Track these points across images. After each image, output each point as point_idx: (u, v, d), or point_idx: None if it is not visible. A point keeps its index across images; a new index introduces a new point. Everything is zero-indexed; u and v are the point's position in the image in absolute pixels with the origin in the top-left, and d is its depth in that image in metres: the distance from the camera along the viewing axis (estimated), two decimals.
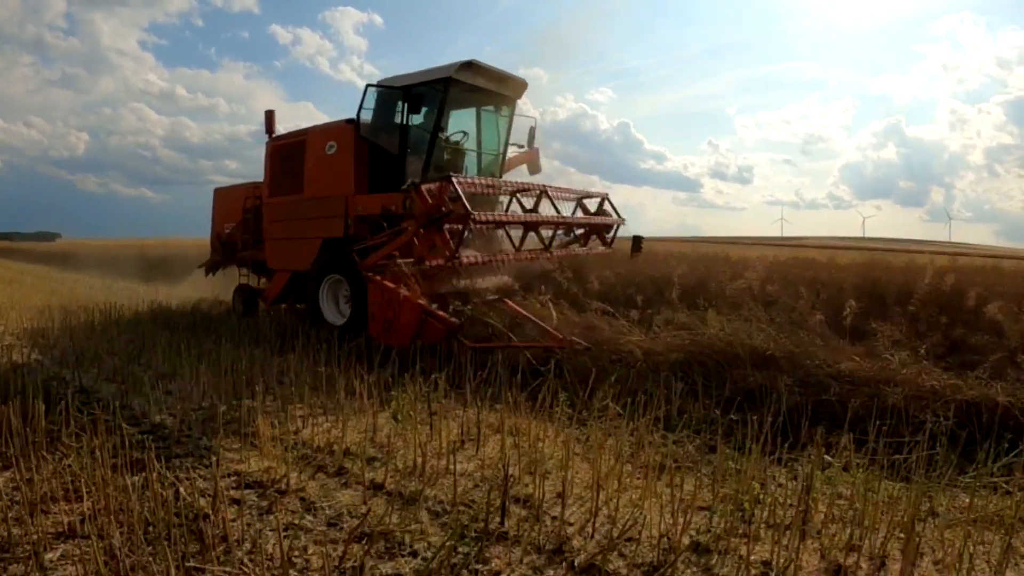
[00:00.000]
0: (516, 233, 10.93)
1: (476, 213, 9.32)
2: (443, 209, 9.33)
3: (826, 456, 5.32)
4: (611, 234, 13.76)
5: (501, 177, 13.63)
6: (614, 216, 13.59)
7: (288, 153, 13.62)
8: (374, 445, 5.92)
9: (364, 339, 10.01)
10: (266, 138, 14.26)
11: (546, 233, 11.57)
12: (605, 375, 7.34)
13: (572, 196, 12.98)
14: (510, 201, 12.52)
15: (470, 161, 13.36)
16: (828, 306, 9.43)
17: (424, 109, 12.06)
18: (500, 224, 10.51)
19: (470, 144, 13.34)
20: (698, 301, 9.99)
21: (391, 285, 9.41)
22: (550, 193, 11.92)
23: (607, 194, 13.50)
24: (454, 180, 9.39)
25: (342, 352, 9.25)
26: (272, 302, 14.43)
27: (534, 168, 14.93)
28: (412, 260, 9.89)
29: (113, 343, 10.66)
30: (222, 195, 16.97)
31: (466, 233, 9.72)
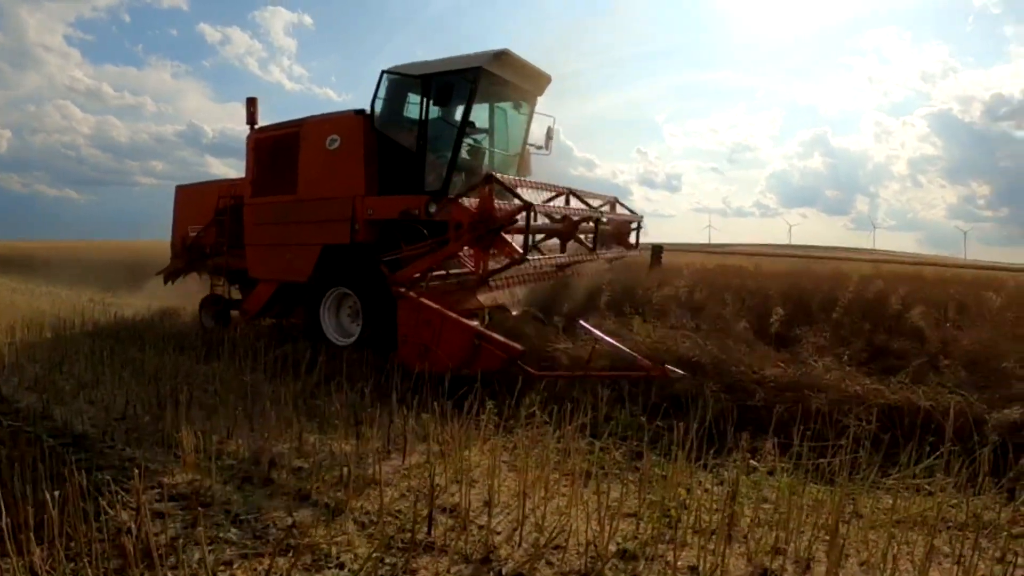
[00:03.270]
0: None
1: (532, 256, 8.85)
2: (513, 219, 8.49)
3: (751, 461, 5.39)
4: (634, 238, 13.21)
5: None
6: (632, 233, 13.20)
7: (277, 147, 12.29)
8: (300, 455, 5.83)
9: (308, 349, 9.71)
10: (247, 129, 12.92)
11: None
12: (532, 382, 7.32)
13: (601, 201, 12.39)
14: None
15: (487, 161, 12.27)
16: (754, 313, 9.52)
17: (449, 101, 10.90)
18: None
19: (489, 142, 12.41)
20: (625, 308, 10.04)
21: (432, 304, 8.38)
22: (583, 200, 11.47)
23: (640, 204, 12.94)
24: (535, 206, 8.65)
25: (268, 359, 9.10)
26: (253, 316, 13.17)
27: (525, 169, 13.22)
28: (444, 273, 9.35)
29: (34, 351, 10.39)
30: (187, 193, 15.63)
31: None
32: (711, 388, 7.17)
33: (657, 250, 13.99)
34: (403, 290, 8.69)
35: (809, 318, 9.51)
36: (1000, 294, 10.24)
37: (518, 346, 7.93)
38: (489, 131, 12.39)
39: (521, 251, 8.52)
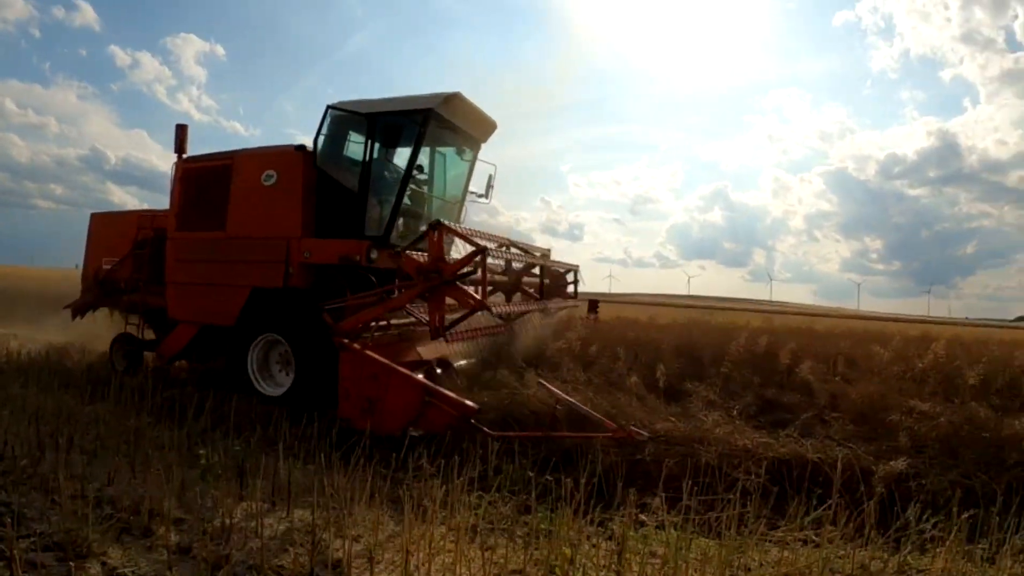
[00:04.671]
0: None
1: (494, 305, 8.56)
2: (466, 270, 8.17)
3: (640, 516, 5.31)
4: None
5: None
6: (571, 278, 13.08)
7: (207, 179, 11.55)
8: (181, 505, 5.58)
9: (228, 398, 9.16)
10: (175, 158, 12.13)
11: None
12: (424, 438, 7.19)
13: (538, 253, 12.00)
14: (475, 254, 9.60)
15: (428, 207, 11.86)
16: (646, 367, 9.52)
17: (396, 143, 10.67)
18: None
19: (430, 188, 11.94)
20: (518, 361, 9.90)
21: (378, 357, 7.99)
22: (523, 250, 11.11)
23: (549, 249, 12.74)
24: (489, 250, 8.29)
25: (155, 402, 8.80)
26: (170, 359, 12.38)
27: (459, 218, 12.75)
28: (385, 324, 8.99)
29: None
30: (103, 222, 14.53)
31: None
32: (601, 442, 7.13)
33: (593, 303, 14.04)
34: (347, 341, 8.28)
35: (700, 372, 9.58)
36: (887, 348, 10.47)
37: (472, 404, 7.56)
38: (429, 176, 11.97)
39: (479, 297, 8.24)
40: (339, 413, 8.07)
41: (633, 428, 7.24)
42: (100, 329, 14.10)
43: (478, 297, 8.24)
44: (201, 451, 6.60)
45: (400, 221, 10.76)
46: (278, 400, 9.64)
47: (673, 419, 7.63)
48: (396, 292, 8.89)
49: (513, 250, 10.74)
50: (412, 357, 9.09)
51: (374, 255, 9.78)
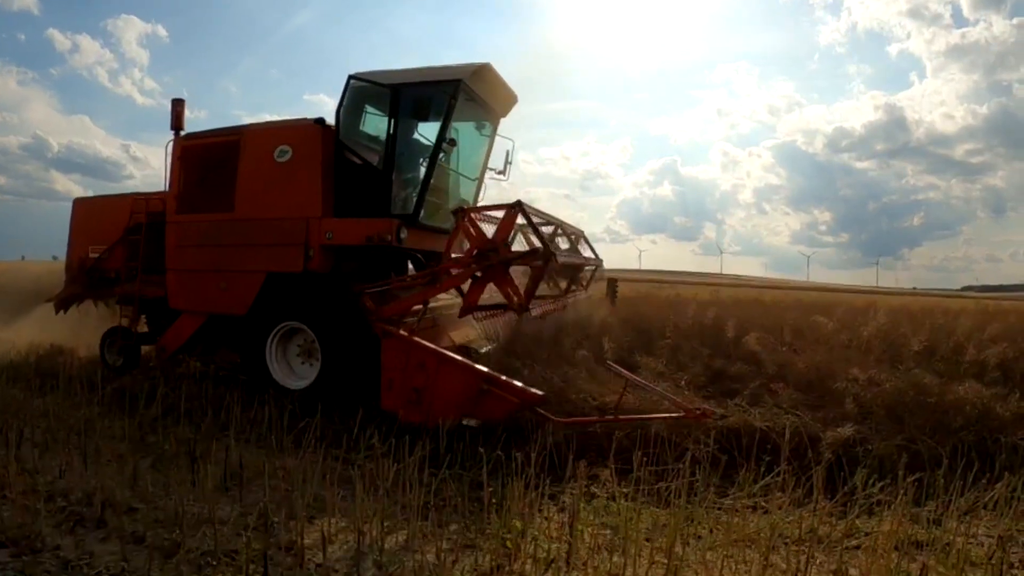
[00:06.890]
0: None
1: (556, 255, 8.06)
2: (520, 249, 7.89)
3: (591, 488, 5.33)
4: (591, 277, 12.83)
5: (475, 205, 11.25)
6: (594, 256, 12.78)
7: (211, 157, 10.71)
8: (135, 494, 5.51)
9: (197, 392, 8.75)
10: (171, 135, 11.15)
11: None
12: (373, 413, 7.13)
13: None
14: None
15: (452, 184, 11.18)
16: (596, 342, 9.48)
17: (423, 115, 10.02)
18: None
19: (449, 162, 10.93)
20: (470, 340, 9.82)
21: (426, 344, 7.65)
22: (567, 233, 10.91)
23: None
24: (554, 260, 7.97)
25: (106, 391, 8.63)
26: (172, 353, 11.32)
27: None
28: (420, 308, 8.55)
29: None
30: (88, 207, 13.42)
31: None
32: (552, 416, 7.08)
33: (612, 284, 13.94)
34: (391, 328, 7.91)
35: (649, 344, 9.56)
36: (832, 318, 10.58)
37: (538, 392, 7.14)
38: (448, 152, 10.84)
39: (524, 295, 7.96)
40: (382, 405, 7.74)
41: (704, 407, 7.10)
42: (53, 322, 13.56)
43: (522, 294, 7.96)
44: (151, 439, 6.55)
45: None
46: (302, 393, 9.00)
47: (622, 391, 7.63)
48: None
49: (559, 236, 10.71)
50: (446, 343, 8.71)
51: (404, 234, 9.35)
